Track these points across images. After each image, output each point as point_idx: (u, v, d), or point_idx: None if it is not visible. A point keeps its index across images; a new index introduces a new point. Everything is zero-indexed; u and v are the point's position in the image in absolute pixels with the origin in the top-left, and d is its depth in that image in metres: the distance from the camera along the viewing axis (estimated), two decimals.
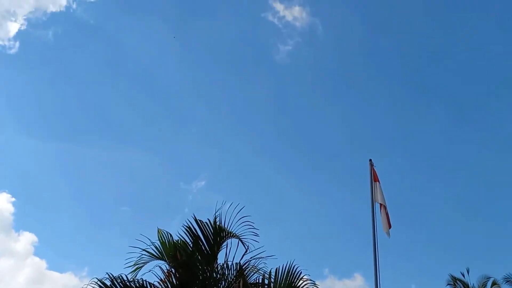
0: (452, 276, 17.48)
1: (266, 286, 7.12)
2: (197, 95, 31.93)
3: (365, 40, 31.79)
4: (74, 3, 29.91)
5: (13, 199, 27.92)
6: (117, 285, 6.98)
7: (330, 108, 31.82)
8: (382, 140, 31.03)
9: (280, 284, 7.01)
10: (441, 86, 31.00)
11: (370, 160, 11.35)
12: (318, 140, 31.57)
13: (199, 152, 31.04)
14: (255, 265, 7.30)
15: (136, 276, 7.29)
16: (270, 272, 7.10)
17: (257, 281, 7.28)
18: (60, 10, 29.60)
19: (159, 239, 7.55)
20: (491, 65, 30.90)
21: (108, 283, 6.93)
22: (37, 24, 29.87)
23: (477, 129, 31.36)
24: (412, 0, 31.84)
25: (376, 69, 32.21)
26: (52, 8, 29.46)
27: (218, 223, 7.36)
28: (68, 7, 29.82)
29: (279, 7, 30.89)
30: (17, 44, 28.51)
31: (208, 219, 7.35)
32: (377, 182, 10.97)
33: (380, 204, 10.81)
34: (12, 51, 28.69)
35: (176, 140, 31.74)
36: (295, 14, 30.75)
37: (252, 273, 7.28)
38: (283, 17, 31.00)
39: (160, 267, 7.41)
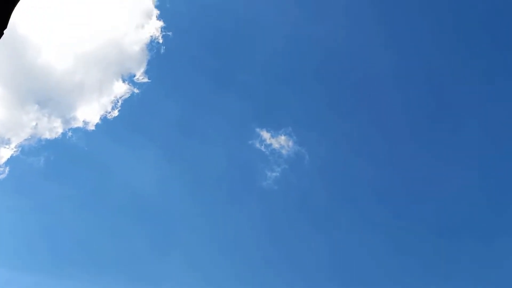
0: None
1: None
2: (185, 221, 32.86)
3: (349, 169, 33.62)
4: (70, 131, 31.72)
5: None
6: None
7: (316, 236, 32.68)
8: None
9: None
10: None
11: None
12: (303, 266, 31.89)
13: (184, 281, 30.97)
14: None
15: None
16: None
17: None
18: (55, 137, 31.21)
19: None
20: None
21: None
22: (30, 150, 30.99)
23: None
24: (400, 129, 33.48)
25: (363, 199, 33.36)
26: (47, 135, 31.07)
27: None
28: (64, 134, 31.53)
29: (266, 135, 32.88)
30: (7, 169, 29.57)
31: None
32: None
33: None
34: (1, 176, 29.52)
35: (161, 271, 31.23)
36: (282, 142, 32.69)
37: None
38: (270, 145, 32.83)
39: None
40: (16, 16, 31.67)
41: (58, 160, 31.88)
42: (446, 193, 32.44)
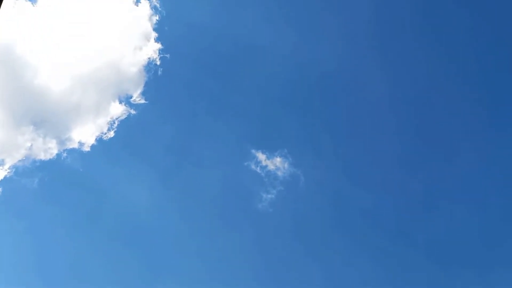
0: None
1: None
2: (179, 244, 32.41)
3: (345, 192, 33.48)
4: (65, 152, 31.96)
5: None
6: None
7: (310, 260, 32.37)
8: None
9: None
10: None
11: None
12: None
13: None
14: None
15: None
16: None
17: None
18: (50, 158, 31.38)
19: None
20: None
21: None
22: (24, 171, 30.96)
23: None
24: (396, 155, 33.78)
25: (358, 223, 33.21)
26: (42, 156, 31.29)
27: None
28: (59, 155, 31.74)
29: (261, 156, 33.19)
30: (0, 190, 29.64)
31: None
32: None
33: None
34: None
35: None
36: (277, 164, 32.98)
37: None
38: (265, 166, 33.04)
39: None
40: (14, 37, 32.05)
41: (52, 182, 31.72)
42: (442, 221, 32.24)
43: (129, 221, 32.26)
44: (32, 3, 33.60)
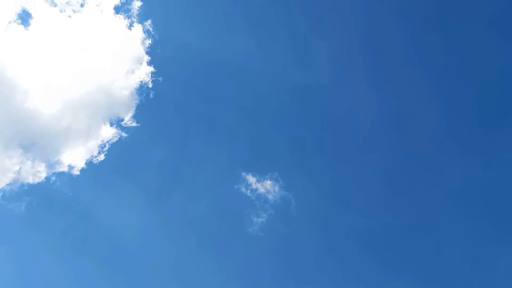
0: None
1: None
2: (169, 270, 32.11)
3: (336, 216, 33.43)
4: (54, 175, 32.02)
5: None
6: None
7: (303, 287, 32.00)
8: None
9: None
10: None
11: None
12: None
13: None
14: None
15: None
16: None
17: None
18: (38, 182, 31.46)
19: None
20: None
21: None
22: (12, 196, 30.99)
23: None
24: (390, 179, 33.84)
25: (350, 248, 33.00)
26: (30, 180, 31.34)
27: None
28: (48, 178, 31.80)
29: (252, 179, 33.38)
30: None
31: None
32: None
33: None
34: None
35: None
36: (268, 187, 33.14)
37: None
38: (256, 189, 33.17)
39: None
40: (5, 60, 32.18)
41: (40, 206, 31.44)
42: (433, 243, 31.98)
43: (118, 246, 31.92)
44: (24, 27, 33.89)
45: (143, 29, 35.35)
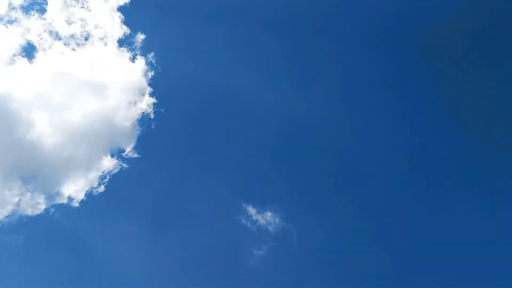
0: None
1: None
2: None
3: (338, 248, 33.06)
4: (53, 207, 31.93)
5: None
6: None
7: None
8: None
9: None
10: None
11: None
12: None
13: None
14: None
15: None
16: None
17: None
18: (37, 214, 31.35)
19: None
20: None
21: None
22: (10, 228, 30.87)
23: None
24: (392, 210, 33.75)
25: (354, 281, 32.49)
26: (29, 212, 31.25)
27: None
28: (47, 210, 31.71)
29: (252, 211, 33.25)
30: None
31: None
32: None
33: None
34: None
35: None
36: (268, 219, 32.95)
37: None
38: (256, 221, 33.03)
39: None
40: (9, 92, 32.42)
41: (38, 238, 31.12)
42: (435, 272, 31.35)
43: (117, 281, 31.28)
44: (28, 60, 34.49)
45: (146, 61, 35.96)
